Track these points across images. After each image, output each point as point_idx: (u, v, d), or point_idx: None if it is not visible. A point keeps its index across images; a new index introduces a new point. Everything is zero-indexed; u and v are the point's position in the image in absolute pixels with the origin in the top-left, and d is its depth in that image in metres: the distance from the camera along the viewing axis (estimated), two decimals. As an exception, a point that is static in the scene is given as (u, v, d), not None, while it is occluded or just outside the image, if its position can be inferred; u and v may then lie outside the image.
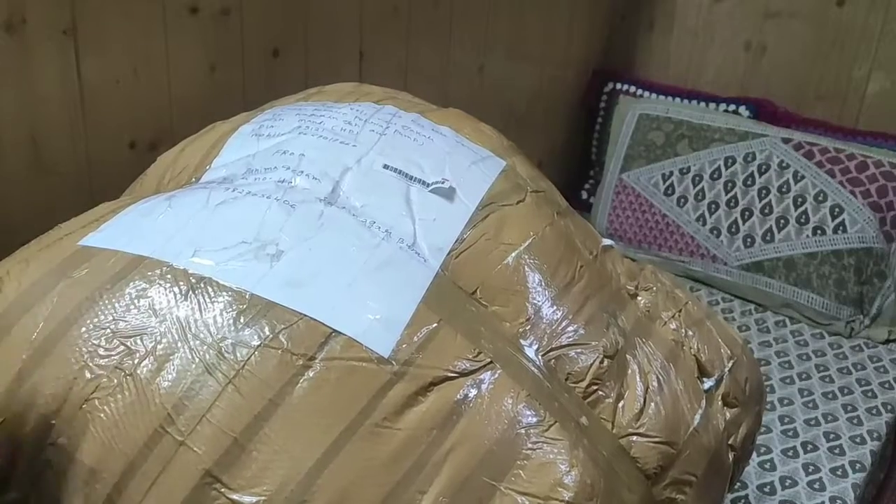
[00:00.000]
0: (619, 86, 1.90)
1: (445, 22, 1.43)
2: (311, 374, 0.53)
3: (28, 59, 0.89)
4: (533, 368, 0.62)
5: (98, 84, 0.96)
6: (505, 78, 1.63)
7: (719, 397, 0.71)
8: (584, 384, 0.63)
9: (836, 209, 1.51)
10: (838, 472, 1.15)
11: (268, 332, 0.54)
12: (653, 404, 0.65)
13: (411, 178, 0.69)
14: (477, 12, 1.49)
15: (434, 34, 1.42)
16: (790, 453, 1.19)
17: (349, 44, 1.27)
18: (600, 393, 0.63)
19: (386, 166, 0.69)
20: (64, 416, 0.53)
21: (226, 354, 0.53)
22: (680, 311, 0.75)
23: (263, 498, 0.49)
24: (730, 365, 0.73)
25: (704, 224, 1.63)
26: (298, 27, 1.18)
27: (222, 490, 0.49)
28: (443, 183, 0.69)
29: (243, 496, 0.49)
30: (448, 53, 1.47)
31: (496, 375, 0.59)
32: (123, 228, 0.63)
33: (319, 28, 1.21)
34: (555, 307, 0.66)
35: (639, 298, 0.74)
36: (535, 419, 0.58)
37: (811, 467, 1.16)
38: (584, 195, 1.95)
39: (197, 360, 0.53)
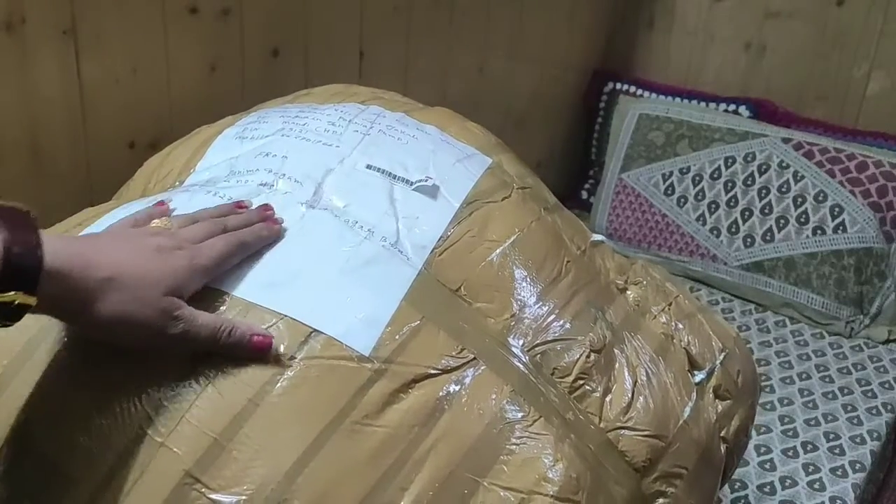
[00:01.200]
0: (619, 86, 1.90)
1: (445, 22, 1.44)
2: (290, 373, 0.54)
3: (28, 59, 0.89)
4: (518, 364, 0.62)
5: (98, 84, 0.97)
6: (505, 78, 1.64)
7: (710, 390, 0.71)
8: (570, 379, 0.63)
9: (836, 209, 1.51)
10: (838, 472, 1.15)
11: None
12: (641, 398, 0.64)
13: (395, 176, 0.69)
14: (477, 12, 1.49)
15: (434, 34, 1.42)
16: (790, 453, 1.19)
17: (349, 44, 1.28)
18: (587, 387, 0.63)
19: (369, 166, 0.69)
20: (44, 420, 0.53)
21: (204, 355, 0.53)
22: (670, 304, 0.75)
23: (244, 497, 0.49)
24: (721, 357, 0.73)
25: (704, 224, 1.63)
26: (298, 27, 1.19)
27: (202, 490, 0.49)
28: (426, 181, 0.69)
29: (223, 496, 0.49)
30: (448, 53, 1.47)
31: (480, 371, 0.59)
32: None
33: (319, 28, 1.21)
34: (540, 302, 0.66)
35: (628, 293, 0.74)
36: (519, 414, 0.58)
37: (811, 467, 1.16)
38: (584, 195, 1.95)
39: (177, 360, 0.53)
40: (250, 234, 0.59)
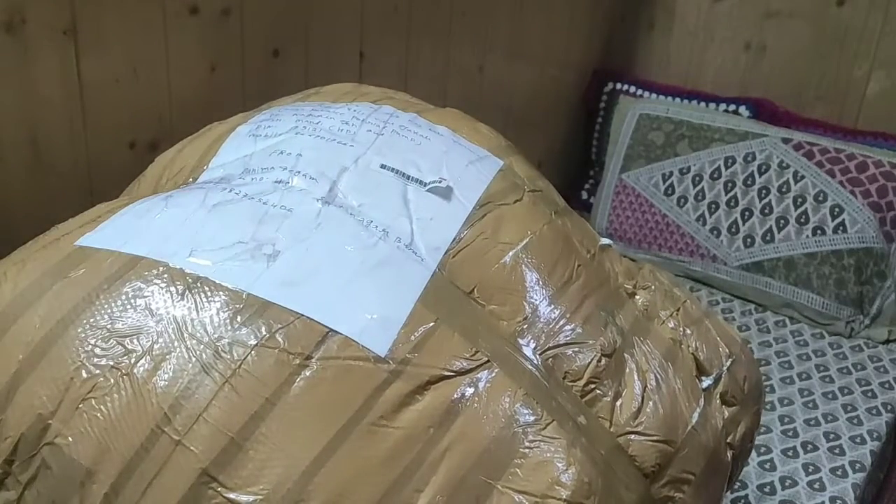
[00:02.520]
0: (619, 86, 1.90)
1: (445, 22, 1.43)
2: (307, 373, 0.54)
3: (28, 59, 0.89)
4: (530, 367, 0.62)
5: (98, 84, 0.96)
6: (505, 78, 1.63)
7: (717, 396, 0.71)
8: (581, 383, 0.63)
9: (836, 209, 1.51)
10: (838, 472, 1.15)
11: (264, 332, 0.54)
12: (651, 403, 0.65)
13: (408, 177, 0.69)
14: (477, 12, 1.49)
15: (434, 34, 1.42)
16: (790, 453, 1.19)
17: (349, 44, 1.28)
18: (598, 391, 0.63)
19: (383, 166, 0.69)
20: (60, 416, 0.53)
21: (222, 354, 0.53)
22: (678, 309, 0.75)
23: (260, 497, 0.49)
24: (728, 363, 0.73)
25: (704, 224, 1.63)
26: (298, 27, 1.18)
27: (219, 489, 0.49)
28: (440, 182, 0.69)
29: (240, 495, 0.49)
30: (448, 53, 1.47)
31: (493, 374, 0.59)
32: (120, 228, 0.63)
33: (319, 28, 1.21)
34: (552, 306, 0.66)
35: (637, 297, 0.74)
36: (532, 418, 0.58)
37: (811, 467, 1.16)
38: (584, 195, 1.95)
39: (193, 359, 0.53)
40: None
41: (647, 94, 1.86)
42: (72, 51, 0.93)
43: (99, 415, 0.52)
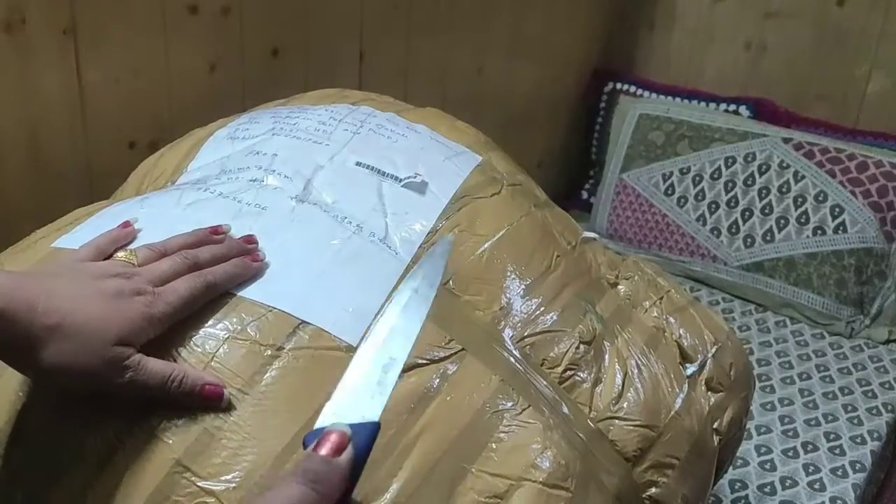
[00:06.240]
0: (619, 86, 1.90)
1: (445, 22, 1.44)
2: (279, 363, 0.54)
3: (28, 59, 0.89)
4: (506, 355, 0.62)
5: (98, 84, 0.97)
6: (505, 78, 1.64)
7: (703, 382, 0.71)
8: (559, 369, 0.63)
9: (837, 209, 1.51)
10: (839, 473, 1.15)
11: (237, 325, 0.55)
12: (632, 389, 0.64)
13: (384, 173, 0.70)
14: (477, 12, 1.50)
15: (434, 34, 1.42)
16: (790, 453, 1.19)
17: (349, 44, 1.28)
18: (577, 378, 0.63)
19: (358, 163, 0.70)
20: (38, 411, 0.53)
21: (194, 347, 0.53)
22: (661, 298, 0.75)
23: (233, 485, 0.49)
24: (713, 350, 0.72)
25: (704, 224, 1.63)
26: (298, 27, 1.19)
27: (192, 479, 0.49)
28: (415, 178, 0.69)
29: (212, 484, 0.49)
30: (448, 53, 1.47)
31: (468, 362, 0.59)
32: (96, 230, 0.63)
33: (319, 28, 1.21)
34: (529, 295, 0.66)
35: (619, 287, 0.74)
36: (508, 403, 0.58)
37: (811, 467, 1.16)
38: (584, 195, 1.95)
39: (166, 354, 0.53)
40: (222, 275, 0.56)
41: (647, 94, 1.86)
42: (72, 51, 0.93)
43: (75, 408, 0.52)
